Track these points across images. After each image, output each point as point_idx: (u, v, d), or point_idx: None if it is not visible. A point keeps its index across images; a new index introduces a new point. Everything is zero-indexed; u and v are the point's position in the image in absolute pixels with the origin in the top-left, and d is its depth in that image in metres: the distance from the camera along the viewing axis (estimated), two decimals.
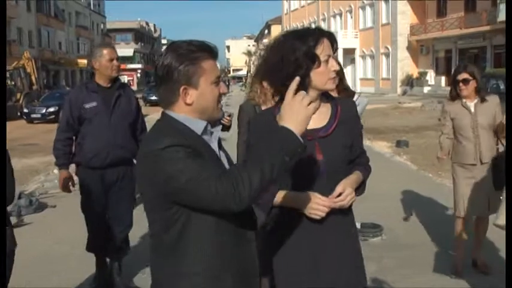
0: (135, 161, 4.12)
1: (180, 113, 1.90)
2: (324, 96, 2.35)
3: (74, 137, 4.50)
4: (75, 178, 4.63)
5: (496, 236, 4.96)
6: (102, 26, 78.59)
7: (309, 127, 2.07)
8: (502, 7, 29.40)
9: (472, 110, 4.60)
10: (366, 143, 13.99)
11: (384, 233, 5.99)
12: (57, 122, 5.04)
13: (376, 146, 13.23)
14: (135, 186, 4.46)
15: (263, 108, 3.72)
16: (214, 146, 1.96)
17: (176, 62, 1.86)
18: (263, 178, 1.69)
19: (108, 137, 4.35)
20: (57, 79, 56.68)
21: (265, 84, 3.63)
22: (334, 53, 2.28)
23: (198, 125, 1.91)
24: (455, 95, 4.67)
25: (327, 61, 2.22)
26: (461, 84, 4.57)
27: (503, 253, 4.95)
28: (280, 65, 2.19)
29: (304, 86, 2.10)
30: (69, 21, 62.05)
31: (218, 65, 2.18)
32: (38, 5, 51.97)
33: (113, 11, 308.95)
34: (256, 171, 1.69)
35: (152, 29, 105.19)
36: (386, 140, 14.58)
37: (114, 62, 4.43)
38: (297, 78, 1.86)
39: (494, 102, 4.65)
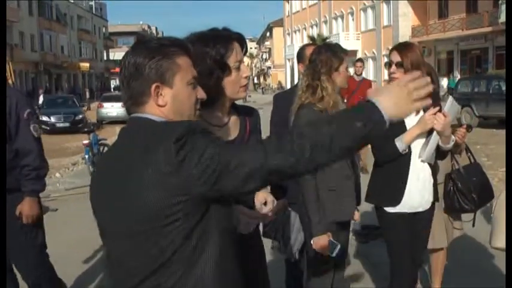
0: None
1: (156, 115, 1.58)
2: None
3: None
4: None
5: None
6: (104, 30, 78.78)
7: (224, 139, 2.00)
8: (504, 8, 29.37)
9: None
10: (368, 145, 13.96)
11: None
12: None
13: None
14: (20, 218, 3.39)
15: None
16: None
17: (146, 58, 1.56)
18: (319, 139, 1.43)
19: None
20: (59, 83, 56.80)
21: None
22: (244, 55, 2.12)
23: None
24: None
25: (238, 68, 2.06)
26: None
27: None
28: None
29: (215, 97, 1.98)
30: (71, 25, 62.21)
31: None
32: (39, 9, 52.09)
33: (115, 15, 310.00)
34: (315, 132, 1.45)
35: (154, 32, 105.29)
36: None
37: None
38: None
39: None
